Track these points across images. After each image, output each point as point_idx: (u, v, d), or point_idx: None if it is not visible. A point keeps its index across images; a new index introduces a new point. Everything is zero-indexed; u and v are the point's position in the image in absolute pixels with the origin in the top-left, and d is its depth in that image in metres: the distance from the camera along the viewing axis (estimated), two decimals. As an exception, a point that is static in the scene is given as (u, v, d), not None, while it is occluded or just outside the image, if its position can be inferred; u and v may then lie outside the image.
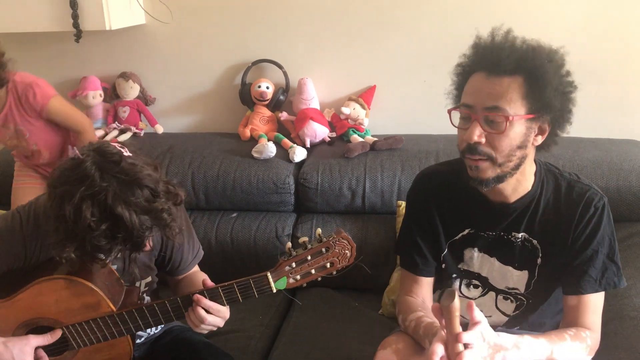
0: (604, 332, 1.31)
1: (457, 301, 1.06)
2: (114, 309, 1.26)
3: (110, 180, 1.07)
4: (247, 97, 2.35)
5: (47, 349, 1.29)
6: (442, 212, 1.38)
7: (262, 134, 2.28)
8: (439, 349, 1.08)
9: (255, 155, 2.15)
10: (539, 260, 1.33)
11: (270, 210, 2.15)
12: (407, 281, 1.42)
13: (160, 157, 2.20)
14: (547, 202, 1.30)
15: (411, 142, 2.17)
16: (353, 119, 2.28)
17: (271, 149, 2.14)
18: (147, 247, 1.19)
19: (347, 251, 1.24)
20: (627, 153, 1.97)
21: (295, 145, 2.22)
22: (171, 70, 2.45)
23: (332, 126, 2.34)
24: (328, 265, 1.25)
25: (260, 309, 1.92)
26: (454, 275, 1.41)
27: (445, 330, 1.09)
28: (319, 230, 1.25)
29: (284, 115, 2.36)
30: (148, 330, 1.53)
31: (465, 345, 1.07)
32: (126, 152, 1.13)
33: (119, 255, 1.17)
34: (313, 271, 1.26)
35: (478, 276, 1.39)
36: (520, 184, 1.28)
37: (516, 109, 1.16)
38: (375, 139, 2.19)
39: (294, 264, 1.24)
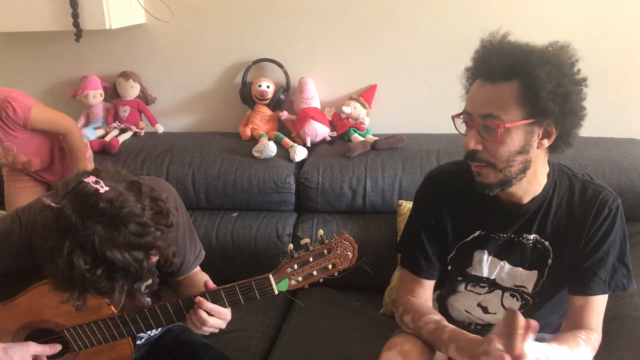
0: (605, 331, 1.31)
1: (521, 319, 1.06)
2: (115, 311, 1.26)
3: (93, 227, 1.02)
4: (248, 97, 2.34)
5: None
6: (452, 214, 1.36)
7: (263, 134, 2.28)
8: None
9: (255, 154, 2.15)
10: (549, 261, 1.32)
11: (270, 210, 2.14)
12: (409, 281, 1.41)
13: (160, 157, 2.20)
14: (559, 203, 1.29)
15: (412, 141, 2.16)
16: (354, 118, 2.28)
17: (272, 149, 2.14)
18: (153, 260, 1.17)
19: (349, 253, 1.24)
20: (628, 152, 1.97)
21: (295, 144, 2.21)
22: (172, 70, 2.44)
23: (332, 125, 2.34)
24: (330, 266, 1.25)
25: (261, 308, 1.91)
26: (460, 279, 1.40)
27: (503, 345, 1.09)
28: (321, 232, 1.24)
29: (284, 115, 2.36)
30: (149, 332, 1.53)
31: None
32: (102, 188, 1.05)
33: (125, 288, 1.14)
34: (315, 273, 1.25)
35: (486, 280, 1.38)
36: (532, 185, 1.26)
37: (512, 115, 1.14)
38: (376, 138, 2.18)
39: (295, 266, 1.24)
